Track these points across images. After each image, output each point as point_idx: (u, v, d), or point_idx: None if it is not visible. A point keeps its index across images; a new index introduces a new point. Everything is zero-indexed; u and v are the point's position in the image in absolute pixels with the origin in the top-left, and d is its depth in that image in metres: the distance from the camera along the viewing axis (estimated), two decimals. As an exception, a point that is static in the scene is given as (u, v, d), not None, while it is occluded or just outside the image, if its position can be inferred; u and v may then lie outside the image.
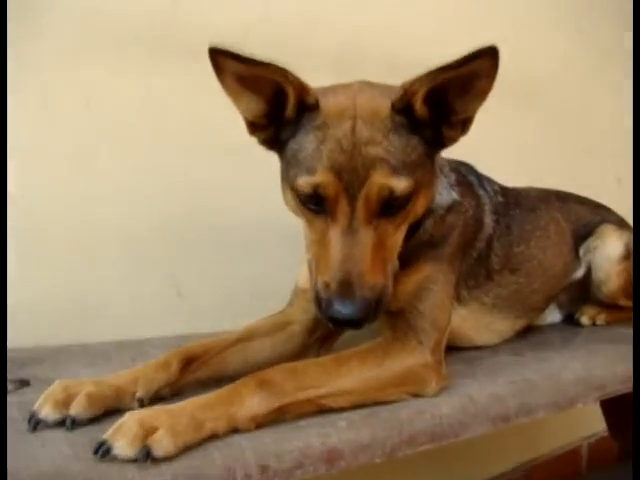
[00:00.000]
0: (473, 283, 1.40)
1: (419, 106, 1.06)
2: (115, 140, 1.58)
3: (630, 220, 1.89)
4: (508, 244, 1.49)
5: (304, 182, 1.03)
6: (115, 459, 0.81)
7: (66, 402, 0.93)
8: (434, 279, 1.22)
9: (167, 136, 1.64)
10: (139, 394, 1.00)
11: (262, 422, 0.94)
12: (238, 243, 1.74)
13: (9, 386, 1.13)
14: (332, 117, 1.04)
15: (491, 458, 2.41)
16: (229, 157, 1.69)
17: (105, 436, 0.83)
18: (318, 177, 1.02)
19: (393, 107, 1.06)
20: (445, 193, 1.29)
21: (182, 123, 1.66)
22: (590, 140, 2.67)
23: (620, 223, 1.78)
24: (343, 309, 0.98)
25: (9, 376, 1.17)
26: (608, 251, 1.65)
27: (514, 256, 1.50)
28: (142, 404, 0.99)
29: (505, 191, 1.54)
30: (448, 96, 1.07)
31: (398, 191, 1.03)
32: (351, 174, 1.01)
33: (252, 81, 1.04)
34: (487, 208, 1.44)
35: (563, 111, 2.52)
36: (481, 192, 1.44)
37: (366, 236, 1.02)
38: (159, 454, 0.81)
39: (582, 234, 1.71)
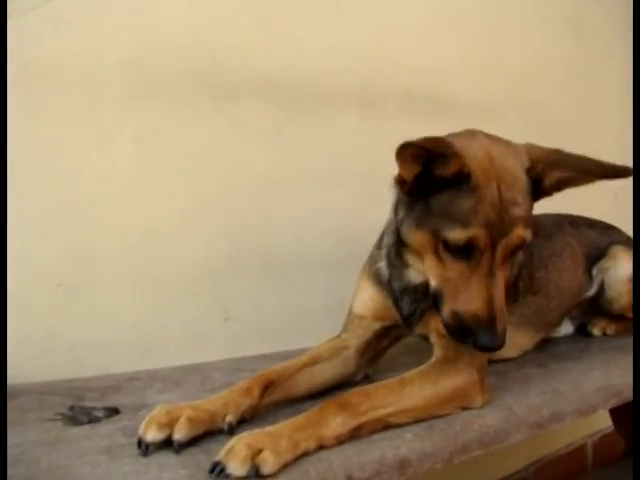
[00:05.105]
0: None
1: (547, 180, 1.27)
2: (166, 179, 1.68)
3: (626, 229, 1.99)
4: (531, 270, 1.61)
5: (459, 235, 1.17)
6: (229, 477, 0.93)
7: (169, 424, 1.03)
8: None
9: (212, 174, 1.75)
10: (229, 417, 1.10)
11: (343, 439, 1.06)
12: (282, 271, 1.84)
13: (100, 414, 1.23)
14: (481, 179, 1.17)
15: (504, 458, 2.50)
16: (274, 190, 1.82)
17: (218, 458, 0.95)
18: (474, 231, 1.16)
19: (527, 174, 1.24)
20: None
21: (221, 165, 1.77)
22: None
23: (628, 243, 1.87)
24: (490, 340, 1.16)
25: (94, 404, 1.28)
26: (619, 271, 1.77)
27: (535, 280, 1.63)
28: (231, 426, 1.10)
29: None
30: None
31: (527, 241, 1.23)
32: (497, 228, 1.17)
33: (417, 154, 1.16)
34: None
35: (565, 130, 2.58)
36: None
37: (501, 277, 1.20)
38: (266, 471, 0.94)
39: (594, 256, 1.82)
